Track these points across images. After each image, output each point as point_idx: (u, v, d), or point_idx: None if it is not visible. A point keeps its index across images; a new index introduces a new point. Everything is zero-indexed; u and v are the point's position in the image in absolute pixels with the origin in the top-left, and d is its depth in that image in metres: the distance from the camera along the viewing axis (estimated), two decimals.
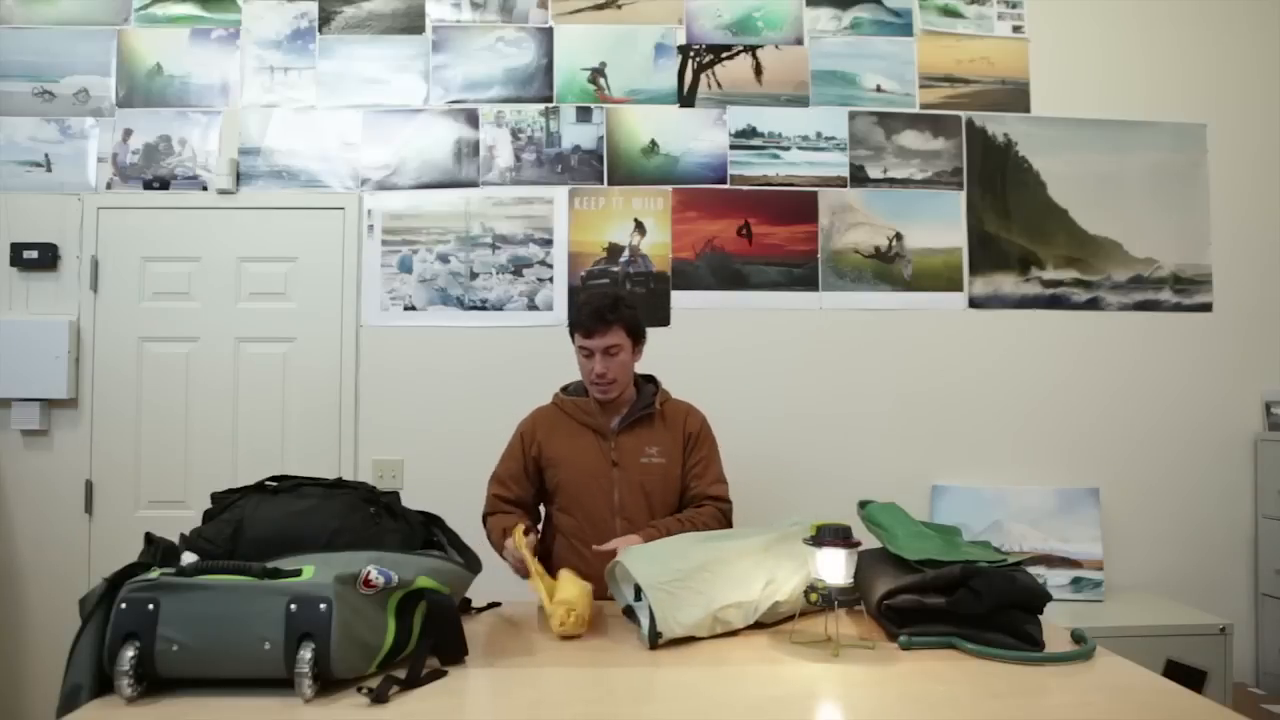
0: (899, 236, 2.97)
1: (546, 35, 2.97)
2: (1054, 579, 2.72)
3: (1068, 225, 3.00)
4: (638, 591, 1.44)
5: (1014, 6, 3.05)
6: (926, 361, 2.94)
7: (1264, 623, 2.89)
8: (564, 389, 2.10)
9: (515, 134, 2.95)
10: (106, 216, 2.86)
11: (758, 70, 2.99)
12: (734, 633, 1.47)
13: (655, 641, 1.37)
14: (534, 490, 2.04)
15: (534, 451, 2.02)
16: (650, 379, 2.11)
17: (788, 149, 2.97)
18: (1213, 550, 2.94)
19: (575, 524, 1.97)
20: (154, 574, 1.17)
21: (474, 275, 2.92)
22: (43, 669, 2.70)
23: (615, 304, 1.95)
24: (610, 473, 1.96)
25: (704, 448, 2.03)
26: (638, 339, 2.00)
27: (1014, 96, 3.02)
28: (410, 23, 2.96)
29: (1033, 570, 1.74)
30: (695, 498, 1.98)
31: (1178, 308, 3.01)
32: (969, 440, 2.92)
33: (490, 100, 2.95)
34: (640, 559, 1.47)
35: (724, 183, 2.96)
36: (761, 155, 2.97)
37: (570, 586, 1.51)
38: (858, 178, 2.98)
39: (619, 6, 2.99)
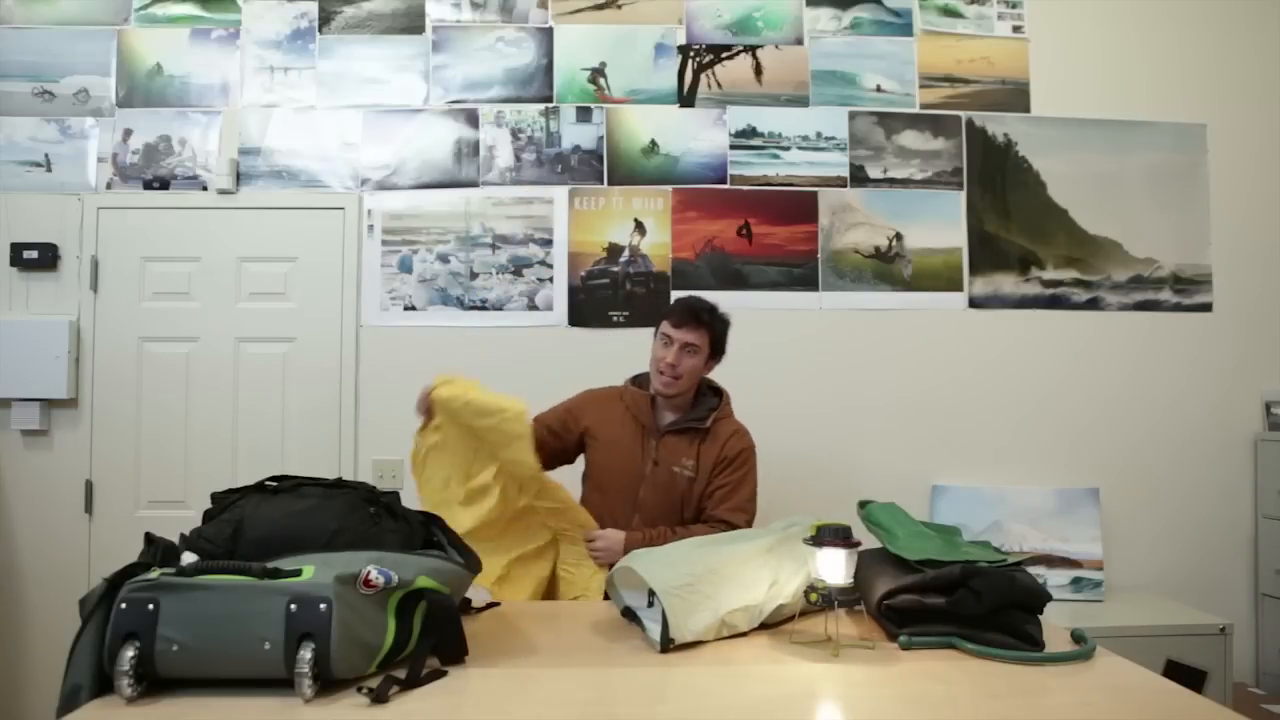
0: (899, 236, 2.97)
1: (546, 35, 2.97)
2: (1054, 579, 2.72)
3: (1068, 225, 3.00)
4: (649, 597, 1.44)
5: (1014, 6, 3.05)
6: (926, 361, 2.94)
7: (1264, 623, 2.90)
8: (633, 379, 2.17)
9: (515, 134, 2.94)
10: (106, 216, 2.86)
11: (758, 70, 2.99)
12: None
13: (666, 646, 1.37)
14: (559, 446, 2.10)
15: (578, 426, 2.11)
16: (719, 392, 2.13)
17: (788, 149, 2.97)
18: (1213, 550, 2.94)
19: (597, 505, 2.02)
20: (154, 574, 1.17)
21: (474, 275, 2.92)
22: (43, 669, 2.70)
23: (712, 311, 2.08)
24: (644, 469, 2.02)
25: (735, 473, 2.03)
26: (716, 354, 2.07)
27: (1014, 96, 3.02)
28: (410, 23, 2.96)
29: (1033, 570, 1.74)
30: (707, 518, 2.00)
31: (1178, 308, 3.01)
32: (969, 440, 2.92)
33: (490, 100, 2.94)
34: (651, 563, 1.47)
35: (724, 183, 2.96)
36: (761, 155, 2.97)
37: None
38: (858, 178, 2.98)
39: (619, 6, 2.98)
